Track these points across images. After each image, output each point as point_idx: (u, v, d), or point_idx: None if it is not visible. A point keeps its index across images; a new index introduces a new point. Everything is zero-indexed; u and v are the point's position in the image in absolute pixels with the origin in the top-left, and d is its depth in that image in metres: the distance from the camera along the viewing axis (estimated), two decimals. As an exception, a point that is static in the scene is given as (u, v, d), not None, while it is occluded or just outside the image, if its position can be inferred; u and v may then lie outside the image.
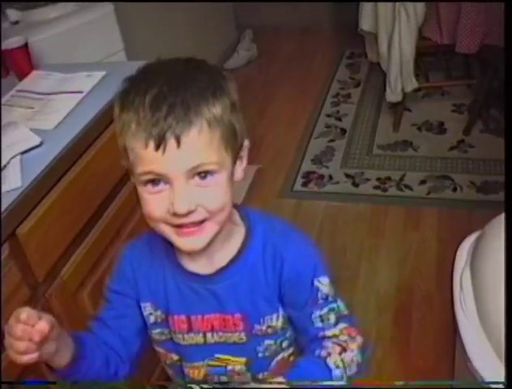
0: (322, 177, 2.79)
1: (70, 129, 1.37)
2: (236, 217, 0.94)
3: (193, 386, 0.99)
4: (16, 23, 1.82)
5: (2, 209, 1.13)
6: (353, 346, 0.93)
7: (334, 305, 0.94)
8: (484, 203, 2.46)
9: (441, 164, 2.78)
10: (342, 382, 0.89)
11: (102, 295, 1.00)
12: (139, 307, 0.98)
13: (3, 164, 1.23)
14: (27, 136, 1.31)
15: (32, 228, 1.20)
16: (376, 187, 2.70)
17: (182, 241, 0.84)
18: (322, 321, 0.93)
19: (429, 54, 3.30)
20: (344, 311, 0.95)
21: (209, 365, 0.99)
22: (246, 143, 0.89)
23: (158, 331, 0.99)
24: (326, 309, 0.93)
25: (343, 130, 3.15)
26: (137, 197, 1.53)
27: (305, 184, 2.76)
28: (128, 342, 0.98)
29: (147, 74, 0.83)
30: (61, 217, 1.29)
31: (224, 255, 0.92)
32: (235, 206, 0.92)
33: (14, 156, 1.26)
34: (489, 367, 1.16)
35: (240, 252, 0.92)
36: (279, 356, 1.00)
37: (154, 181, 0.80)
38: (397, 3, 2.63)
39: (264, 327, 0.95)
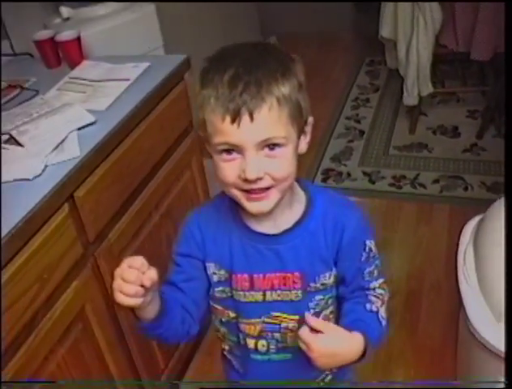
0: (340, 174, 2.95)
1: (120, 110, 1.54)
2: (297, 188, 1.05)
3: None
4: (67, 19, 2.01)
5: (63, 174, 1.30)
6: (386, 299, 1.07)
7: (377, 261, 1.06)
8: (494, 201, 2.58)
9: (454, 166, 2.93)
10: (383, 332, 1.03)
11: (171, 260, 1.08)
12: (205, 268, 1.06)
13: (62, 137, 1.40)
14: (83, 115, 1.49)
15: (86, 192, 1.36)
16: (391, 184, 2.85)
17: (251, 205, 0.94)
18: (369, 275, 1.05)
19: (446, 62, 3.45)
20: (381, 267, 1.08)
21: (264, 322, 1.07)
22: (310, 119, 0.97)
23: (220, 289, 1.06)
24: (373, 266, 1.05)
25: (362, 132, 3.31)
26: (175, 174, 1.72)
27: (324, 180, 2.92)
28: (198, 303, 1.06)
29: (224, 55, 0.91)
30: (111, 186, 1.46)
31: (287, 219, 1.01)
32: (296, 178, 1.02)
33: (71, 131, 1.43)
34: (487, 326, 1.31)
35: (302, 218, 1.02)
36: (323, 313, 1.09)
37: (228, 151, 0.89)
38: (415, 11, 2.79)
39: (318, 284, 1.04)
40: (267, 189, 0.91)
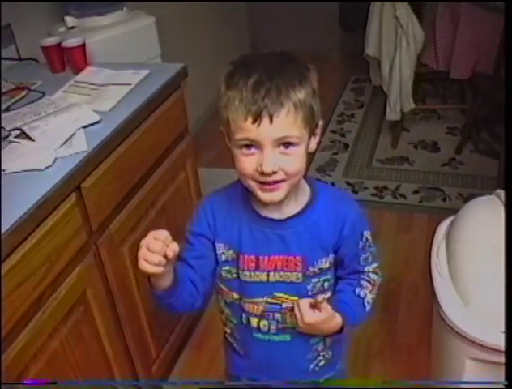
0: (317, 180, 3.08)
1: (123, 112, 1.65)
2: (303, 183, 1.16)
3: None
4: (71, 28, 2.14)
5: (72, 166, 1.42)
6: (378, 283, 1.22)
7: (372, 249, 1.20)
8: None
9: (434, 178, 3.08)
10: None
11: (183, 238, 1.16)
12: (214, 248, 1.16)
13: (71, 133, 1.52)
14: (89, 114, 1.61)
15: (92, 184, 1.48)
16: (373, 194, 3.00)
17: (264, 195, 1.05)
18: (364, 261, 1.18)
19: (427, 81, 3.62)
20: (376, 254, 1.21)
21: (267, 302, 1.16)
22: (321, 122, 1.08)
23: (227, 268, 1.16)
24: (368, 253, 1.19)
25: (346, 145, 3.46)
26: (173, 172, 1.84)
27: (309, 189, 3.05)
28: (205, 279, 1.16)
29: (248, 62, 1.02)
30: (113, 181, 1.57)
31: (291, 209, 1.12)
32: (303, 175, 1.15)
33: (78, 128, 1.55)
34: (456, 311, 1.44)
35: (305, 208, 1.14)
36: (321, 296, 1.19)
37: (248, 146, 1.00)
38: (398, 32, 2.95)
39: (316, 269, 1.15)
40: (279, 182, 1.03)
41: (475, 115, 3.16)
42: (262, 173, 1.00)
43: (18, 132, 1.56)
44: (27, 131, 1.54)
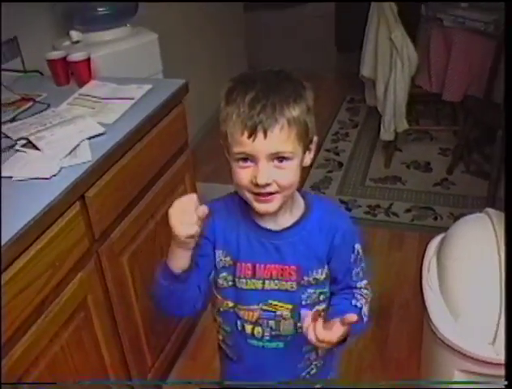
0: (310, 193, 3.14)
1: (126, 125, 1.71)
2: (298, 196, 1.20)
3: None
4: (77, 42, 2.20)
5: (76, 176, 1.46)
6: (369, 300, 1.24)
7: (363, 264, 1.23)
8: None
9: (426, 197, 3.15)
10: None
11: None
12: (214, 254, 1.19)
13: (75, 144, 1.57)
14: (94, 126, 1.66)
15: (95, 194, 1.52)
16: (366, 212, 3.05)
17: (259, 206, 1.10)
18: (356, 276, 1.21)
19: (421, 102, 3.70)
20: (365, 270, 1.24)
21: (262, 310, 1.20)
22: (315, 138, 1.12)
23: (223, 275, 1.19)
24: (359, 268, 1.22)
25: (340, 164, 3.52)
26: (172, 185, 1.88)
27: (304, 205, 3.10)
28: (206, 281, 1.18)
29: (247, 79, 1.07)
30: (115, 192, 1.62)
31: (287, 220, 1.16)
32: (297, 188, 1.19)
33: (83, 140, 1.60)
34: (446, 324, 1.49)
35: (300, 220, 1.18)
36: (316, 308, 1.21)
37: (244, 159, 1.05)
38: (393, 54, 3.03)
39: (311, 278, 1.18)
40: (273, 193, 1.08)
41: (467, 137, 3.23)
42: (257, 185, 1.05)
43: (24, 141, 1.60)
44: (33, 141, 1.58)
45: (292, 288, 1.19)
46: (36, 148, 1.56)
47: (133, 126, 1.71)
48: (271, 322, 1.22)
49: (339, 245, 1.18)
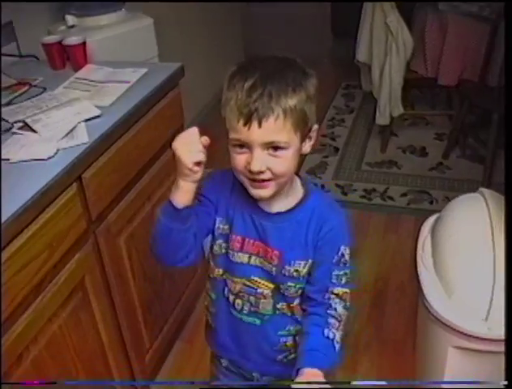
0: (315, 186, 3.15)
1: (122, 107, 1.71)
2: (298, 184, 1.21)
3: None
4: (72, 27, 2.20)
5: (73, 157, 1.47)
6: (344, 318, 1.19)
7: (347, 270, 1.20)
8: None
9: (421, 182, 3.16)
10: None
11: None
12: (214, 220, 1.22)
13: (72, 126, 1.58)
14: (90, 108, 1.66)
15: (92, 175, 1.53)
16: (362, 196, 3.07)
17: (253, 191, 1.12)
18: (336, 278, 1.18)
19: (416, 87, 3.71)
20: (351, 277, 1.21)
21: (245, 285, 1.23)
22: (315, 126, 1.12)
23: (219, 241, 1.23)
24: (342, 271, 1.17)
25: (336, 149, 3.54)
26: (168, 168, 1.90)
27: (300, 190, 3.12)
28: (202, 234, 1.20)
29: (250, 65, 1.08)
30: (112, 174, 1.63)
31: (280, 205, 1.17)
32: (299, 175, 1.21)
33: (80, 122, 1.60)
34: (440, 301, 1.51)
35: (294, 208, 1.19)
36: (296, 302, 1.24)
37: (240, 146, 1.06)
38: (389, 38, 3.03)
39: (292, 269, 1.18)
40: (267, 180, 1.09)
41: (462, 121, 3.25)
42: (251, 171, 1.07)
43: (21, 124, 1.61)
44: (30, 123, 1.59)
45: (272, 271, 1.20)
46: (33, 131, 1.57)
47: (129, 108, 1.72)
48: (252, 298, 1.24)
49: (323, 240, 1.17)
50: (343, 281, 1.19)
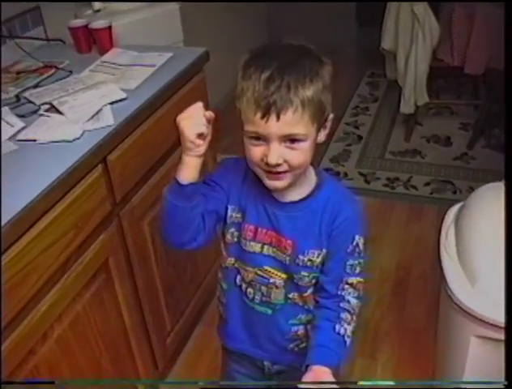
0: (338, 173, 3.15)
1: (147, 91, 1.72)
2: (312, 173, 1.20)
3: None
4: (98, 11, 2.21)
5: (99, 139, 1.48)
6: (357, 310, 1.19)
7: (361, 260, 1.20)
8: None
9: (445, 171, 3.13)
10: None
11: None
12: (226, 208, 1.20)
13: (98, 108, 1.59)
14: (116, 91, 1.68)
15: (117, 157, 1.55)
16: (385, 185, 3.06)
17: (269, 182, 1.11)
18: (350, 268, 1.19)
19: (442, 76, 3.66)
20: (365, 267, 1.21)
21: (257, 274, 1.22)
22: (331, 116, 1.10)
23: (231, 230, 1.21)
24: (356, 261, 1.19)
25: (360, 137, 3.52)
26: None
27: (322, 178, 3.11)
28: (211, 216, 1.18)
29: (265, 53, 1.06)
30: (136, 156, 1.64)
31: (294, 194, 1.17)
32: (313, 165, 1.19)
33: (105, 104, 1.62)
34: (463, 290, 1.50)
35: (307, 197, 1.18)
36: (309, 291, 1.24)
37: (256, 138, 1.05)
38: (415, 26, 3.00)
39: (306, 259, 1.17)
40: (283, 172, 1.09)
41: (488, 111, 3.20)
42: (268, 164, 1.05)
43: (48, 106, 1.63)
44: (56, 105, 1.61)
45: (286, 261, 1.20)
46: (59, 113, 1.59)
47: (154, 91, 1.73)
48: (263, 288, 1.23)
49: (337, 231, 1.17)
50: (357, 271, 1.19)
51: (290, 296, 1.24)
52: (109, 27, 2.00)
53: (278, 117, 1.00)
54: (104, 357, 1.59)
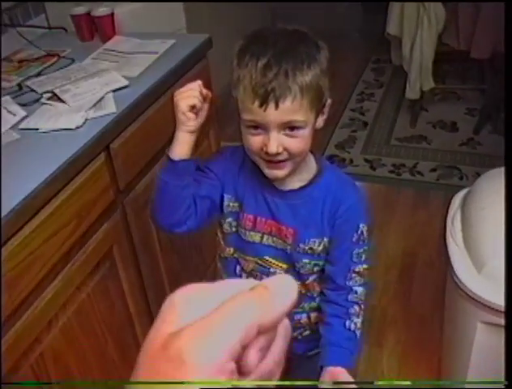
0: (343, 160, 3.14)
1: (150, 78, 1.71)
2: (312, 160, 1.19)
3: None
4: (100, -2, 2.19)
5: (101, 127, 1.47)
6: (364, 299, 1.20)
7: (366, 247, 1.20)
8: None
9: (451, 157, 3.11)
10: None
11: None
12: (222, 197, 1.20)
13: (100, 96, 1.58)
14: (118, 79, 1.66)
15: (120, 145, 1.54)
16: (391, 171, 3.04)
17: (269, 171, 1.11)
18: (357, 257, 1.19)
19: (447, 61, 3.63)
20: (369, 254, 1.21)
21: (257, 263, 1.22)
22: (329, 101, 1.10)
23: (229, 220, 1.21)
24: (361, 249, 1.19)
25: (365, 123, 3.49)
26: (197, 142, 1.90)
27: (327, 165, 3.10)
28: (203, 201, 1.17)
29: (259, 40, 1.04)
30: (140, 144, 1.63)
31: (294, 182, 1.17)
32: (313, 152, 1.18)
33: (108, 92, 1.60)
34: (469, 276, 1.49)
35: (308, 185, 1.17)
36: (310, 279, 1.24)
37: (255, 127, 1.04)
38: (420, 11, 2.97)
39: (307, 247, 1.17)
40: (284, 161, 1.08)
41: (495, 95, 3.17)
42: (267, 153, 1.05)
43: (50, 95, 1.62)
44: (58, 94, 1.60)
45: (287, 250, 1.19)
46: (62, 101, 1.58)
47: (157, 78, 1.71)
48: (264, 277, 1.21)
49: (341, 220, 1.16)
50: (363, 258, 1.19)
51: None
52: (112, 15, 1.98)
53: (277, 105, 0.99)
54: (110, 345, 1.59)
